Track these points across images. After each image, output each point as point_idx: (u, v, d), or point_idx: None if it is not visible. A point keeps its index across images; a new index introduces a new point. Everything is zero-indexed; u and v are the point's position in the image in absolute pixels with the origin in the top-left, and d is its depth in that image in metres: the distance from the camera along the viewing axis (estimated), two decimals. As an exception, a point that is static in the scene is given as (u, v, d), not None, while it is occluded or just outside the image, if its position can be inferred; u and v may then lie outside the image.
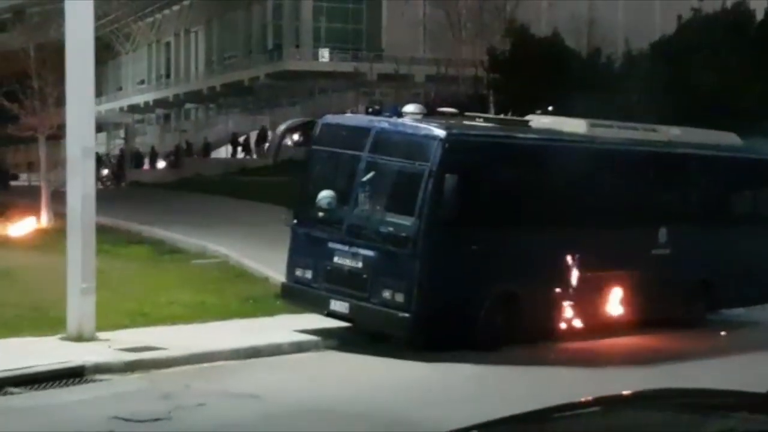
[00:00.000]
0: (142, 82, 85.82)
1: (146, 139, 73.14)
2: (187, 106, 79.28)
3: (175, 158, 53.27)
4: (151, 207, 29.44)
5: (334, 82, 58.81)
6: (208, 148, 57.88)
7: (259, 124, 57.94)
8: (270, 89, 64.60)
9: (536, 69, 40.03)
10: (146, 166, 54.07)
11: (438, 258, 14.55)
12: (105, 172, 44.42)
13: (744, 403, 4.78)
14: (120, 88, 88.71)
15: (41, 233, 25.26)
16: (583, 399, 4.81)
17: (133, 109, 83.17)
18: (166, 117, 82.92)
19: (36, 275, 18.49)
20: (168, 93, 79.26)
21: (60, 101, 27.26)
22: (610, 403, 4.84)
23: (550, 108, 27.90)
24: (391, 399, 12.31)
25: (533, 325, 15.37)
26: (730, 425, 4.41)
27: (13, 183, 45.35)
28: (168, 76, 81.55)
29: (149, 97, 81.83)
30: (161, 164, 54.29)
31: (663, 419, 4.53)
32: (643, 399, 4.98)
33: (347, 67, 58.28)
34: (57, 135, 29.45)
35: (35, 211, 27.65)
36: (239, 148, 55.70)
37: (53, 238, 23.13)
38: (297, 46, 63.89)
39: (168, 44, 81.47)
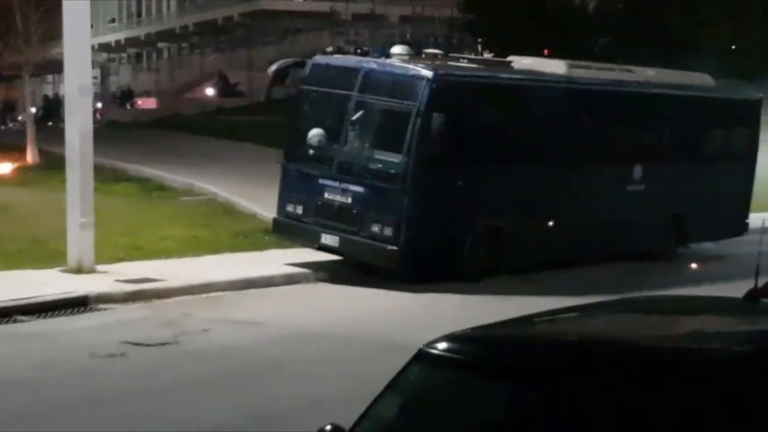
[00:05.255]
0: (113, 20, 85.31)
1: (119, 78, 73.05)
2: (160, 45, 79.07)
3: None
4: (133, 146, 29.85)
5: (308, 21, 58.92)
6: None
7: (236, 63, 58.03)
8: (244, 29, 64.61)
9: (511, 9, 40.44)
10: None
11: (425, 194, 15.17)
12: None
13: (716, 307, 5.29)
14: (90, 26, 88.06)
15: (28, 170, 25.68)
16: (563, 307, 5.24)
17: (103, 48, 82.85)
18: (138, 56, 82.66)
19: (31, 210, 19.01)
20: (140, 32, 78.98)
21: (44, 39, 27.63)
22: (584, 310, 5.29)
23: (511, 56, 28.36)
24: (381, 325, 12.99)
25: (515, 257, 16.09)
26: (699, 325, 4.87)
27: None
28: (139, 14, 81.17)
29: (120, 35, 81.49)
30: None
31: (634, 321, 4.95)
32: (617, 305, 5.41)
33: (322, 6, 58.37)
34: (39, 73, 29.71)
35: (19, 149, 28.03)
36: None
37: (41, 175, 23.64)
38: (271, -15, 63.78)
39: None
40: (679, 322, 4.91)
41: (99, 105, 44.48)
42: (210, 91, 53.33)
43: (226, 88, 54.85)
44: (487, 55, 34.27)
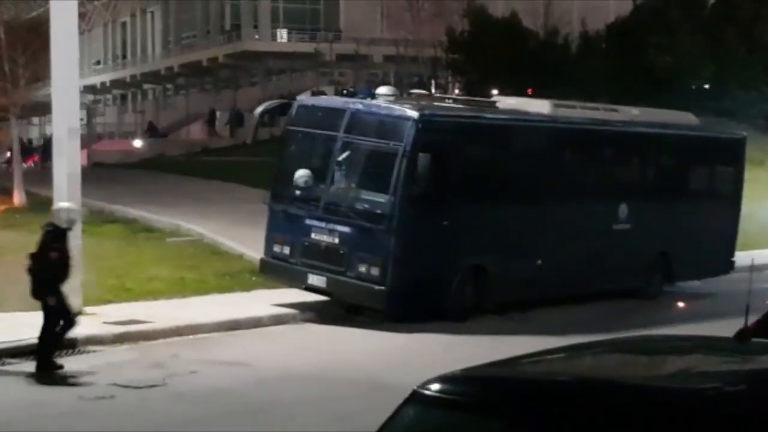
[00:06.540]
0: (98, 62, 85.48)
1: (105, 119, 73.16)
2: (145, 86, 79.18)
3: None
4: (119, 187, 29.80)
5: (293, 62, 59.13)
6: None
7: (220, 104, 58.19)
8: (229, 69, 64.81)
9: (495, 49, 40.74)
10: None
11: (411, 233, 15.20)
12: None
13: (707, 346, 5.33)
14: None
15: (15, 213, 25.61)
16: (555, 347, 5.28)
17: (89, 89, 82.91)
18: (123, 98, 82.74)
19: (18, 253, 18.88)
20: (125, 74, 79.10)
21: (30, 81, 27.69)
22: (574, 350, 5.35)
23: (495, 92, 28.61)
24: (369, 365, 12.99)
25: (501, 296, 16.12)
26: (691, 365, 4.93)
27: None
28: (125, 56, 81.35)
29: (106, 77, 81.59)
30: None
31: (627, 361, 5.00)
32: (609, 344, 5.45)
33: (307, 47, 58.56)
34: (26, 115, 29.63)
35: (6, 191, 27.98)
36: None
37: (28, 218, 23.54)
38: (255, 27, 64.09)
39: (124, 24, 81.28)
40: (671, 361, 4.95)
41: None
42: (138, 143, 53.83)
43: (154, 136, 56.65)
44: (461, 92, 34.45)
